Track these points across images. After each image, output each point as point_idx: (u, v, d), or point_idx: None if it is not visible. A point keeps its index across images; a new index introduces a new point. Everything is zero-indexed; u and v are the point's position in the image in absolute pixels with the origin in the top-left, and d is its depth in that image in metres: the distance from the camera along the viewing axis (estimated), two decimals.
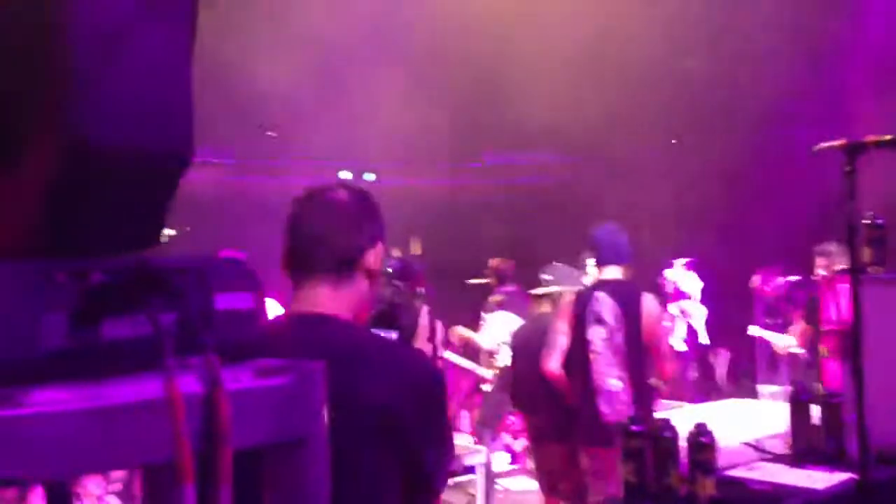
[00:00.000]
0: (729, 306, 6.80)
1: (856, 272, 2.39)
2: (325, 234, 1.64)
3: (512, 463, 6.98)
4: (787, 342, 5.43)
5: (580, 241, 6.42)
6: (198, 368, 0.77)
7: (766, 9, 6.76)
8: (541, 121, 7.32)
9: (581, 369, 4.31)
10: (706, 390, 6.87)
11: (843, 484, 2.67)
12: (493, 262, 6.52)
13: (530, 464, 5.49)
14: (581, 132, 7.69)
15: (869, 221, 3.20)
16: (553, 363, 4.40)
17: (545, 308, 4.99)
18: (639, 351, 4.29)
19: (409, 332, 1.73)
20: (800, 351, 5.65)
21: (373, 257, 1.66)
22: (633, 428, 2.58)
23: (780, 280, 6.00)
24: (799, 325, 5.62)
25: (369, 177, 10.44)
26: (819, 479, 2.73)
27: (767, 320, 6.51)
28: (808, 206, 6.16)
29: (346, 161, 9.69)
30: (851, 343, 2.29)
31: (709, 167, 7.72)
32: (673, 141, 8.76)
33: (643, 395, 4.25)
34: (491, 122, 7.91)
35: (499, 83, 7.35)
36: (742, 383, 6.93)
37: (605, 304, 4.26)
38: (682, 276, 6.79)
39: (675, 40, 7.29)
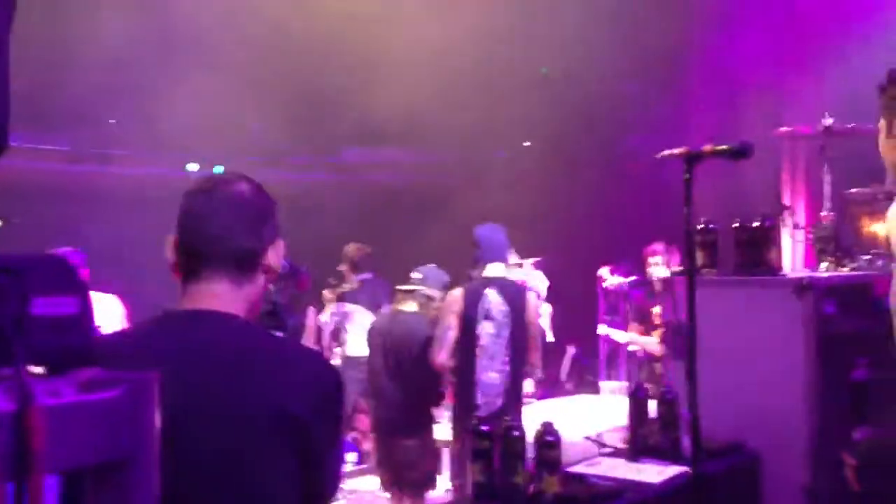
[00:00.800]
0: (573, 305, 7.03)
1: (691, 274, 2.49)
2: (226, 230, 1.56)
3: (359, 463, 6.91)
4: (646, 341, 5.71)
5: (431, 240, 6.49)
6: (8, 382, 0.69)
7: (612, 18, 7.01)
8: (399, 120, 7.31)
9: (465, 362, 4.56)
10: (551, 387, 7.07)
11: (677, 477, 2.81)
12: (349, 248, 6.37)
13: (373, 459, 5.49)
14: (439, 132, 7.74)
15: (703, 226, 3.38)
16: (442, 356, 4.61)
17: (409, 306, 5.02)
18: (520, 346, 4.59)
19: (294, 333, 1.67)
20: (636, 348, 5.93)
21: (273, 255, 1.60)
22: (482, 428, 2.60)
23: (618, 280, 6.26)
24: (634, 325, 5.90)
25: (218, 169, 10.10)
26: (655, 472, 2.85)
27: (607, 317, 6.79)
28: (652, 210, 6.47)
29: (194, 153, 9.33)
30: (686, 342, 2.37)
31: (560, 171, 7.94)
32: (526, 143, 8.96)
33: (516, 388, 4.54)
34: (350, 119, 7.80)
35: (359, 80, 7.26)
36: (585, 380, 7.18)
37: (495, 301, 4.52)
38: (529, 275, 6.96)
39: (532, 45, 7.45)
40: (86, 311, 0.85)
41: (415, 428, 4.80)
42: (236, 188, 1.59)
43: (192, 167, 9.76)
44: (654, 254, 5.68)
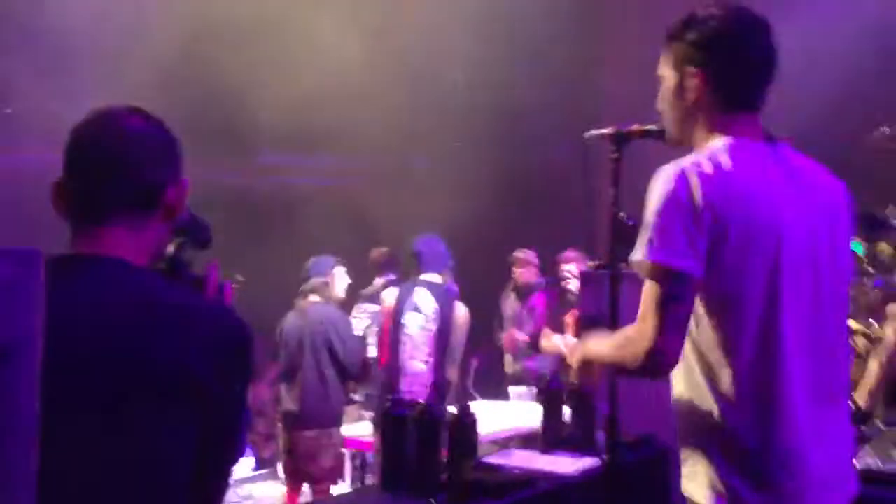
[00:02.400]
0: (484, 311, 6.97)
1: (614, 265, 2.45)
2: (121, 165, 1.38)
3: (256, 468, 6.68)
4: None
5: (354, 246, 6.35)
6: None
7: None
8: (323, 124, 7.18)
9: (392, 352, 4.78)
10: (462, 392, 6.99)
11: (590, 469, 2.77)
12: (372, 252, 6.46)
13: (280, 458, 5.38)
14: (362, 138, 7.63)
15: (622, 220, 3.37)
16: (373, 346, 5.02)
17: (314, 297, 5.07)
18: (445, 345, 4.77)
19: (194, 287, 1.49)
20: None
21: (175, 195, 1.43)
22: (396, 411, 2.51)
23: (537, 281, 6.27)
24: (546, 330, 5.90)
25: None
26: (567, 464, 2.81)
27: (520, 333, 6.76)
28: (573, 217, 6.51)
29: None
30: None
31: (480, 178, 7.90)
32: (457, 144, 8.83)
33: (442, 382, 4.72)
34: (270, 122, 7.55)
35: (272, 83, 7.06)
36: (491, 386, 7.12)
37: (425, 297, 4.79)
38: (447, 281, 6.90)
39: (448, 51, 7.41)
40: None
41: (321, 420, 4.87)
42: (131, 119, 1.43)
43: None
44: (568, 261, 5.70)
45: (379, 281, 6.19)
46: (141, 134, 1.42)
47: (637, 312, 1.91)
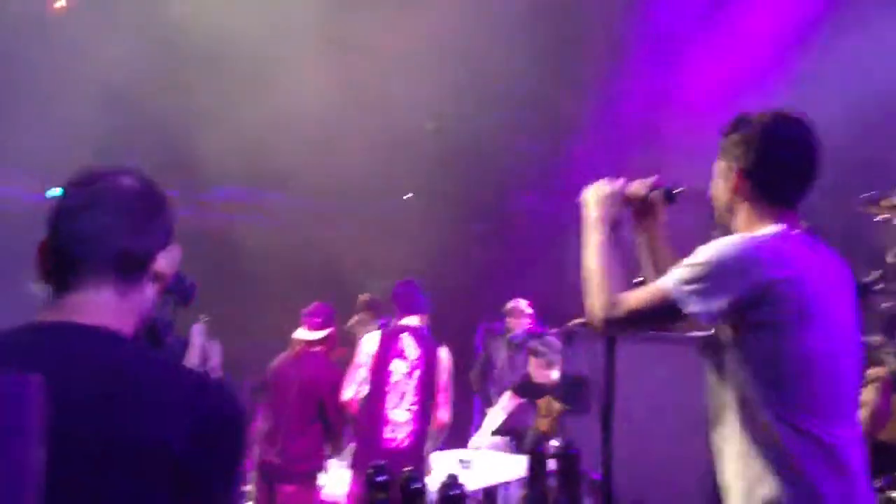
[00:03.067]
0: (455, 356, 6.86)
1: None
2: (106, 228, 1.31)
3: None
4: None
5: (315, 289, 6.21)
6: None
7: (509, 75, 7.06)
8: (277, 163, 7.09)
9: (375, 399, 4.75)
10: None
11: None
12: (362, 297, 6.28)
13: None
14: (321, 180, 7.54)
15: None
16: (348, 392, 4.83)
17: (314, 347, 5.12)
18: (430, 391, 4.79)
19: (175, 352, 1.41)
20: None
21: (165, 261, 1.36)
22: (378, 478, 2.38)
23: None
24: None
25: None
26: None
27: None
28: (544, 271, 6.45)
29: (56, 176, 8.66)
30: (603, 396, 2.25)
31: (445, 225, 7.84)
32: (407, 196, 8.81)
33: (424, 433, 4.71)
34: (221, 157, 7.39)
35: (234, 117, 6.94)
36: (461, 434, 6.97)
37: (409, 344, 4.79)
38: None
39: (420, 101, 7.36)
40: None
41: (300, 474, 4.83)
42: (120, 180, 1.36)
43: (55, 192, 9.09)
44: (517, 313, 5.80)
45: (373, 323, 6.00)
46: (128, 195, 1.35)
47: (630, 374, 1.98)
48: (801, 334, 1.82)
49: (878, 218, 3.72)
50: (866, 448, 1.95)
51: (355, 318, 6.13)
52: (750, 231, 1.98)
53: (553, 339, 5.84)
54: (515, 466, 4.72)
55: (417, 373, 4.73)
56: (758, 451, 1.85)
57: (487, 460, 5.25)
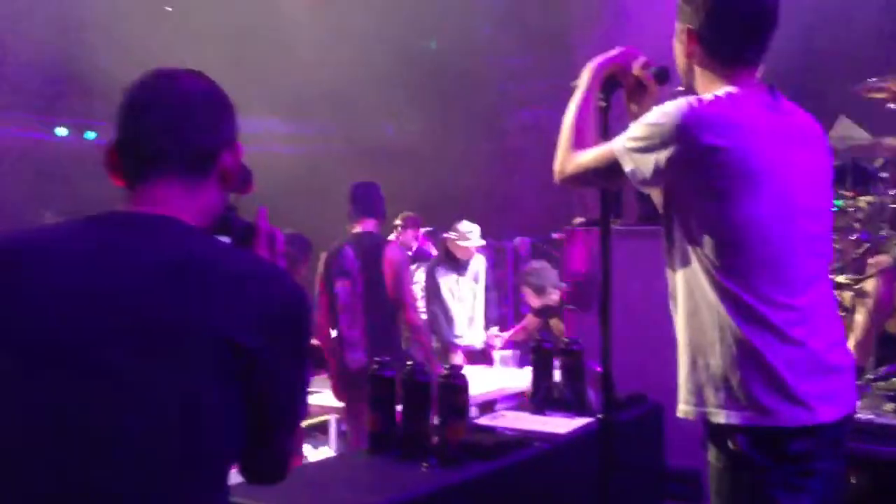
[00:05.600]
0: None
1: (605, 222, 2.38)
2: (178, 124, 1.32)
3: None
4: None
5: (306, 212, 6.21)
6: None
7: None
8: (279, 89, 7.02)
9: (332, 322, 4.57)
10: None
11: (582, 428, 2.71)
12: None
13: None
14: (321, 105, 7.48)
15: None
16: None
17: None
18: (381, 299, 4.49)
19: (245, 235, 1.40)
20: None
21: (230, 159, 1.36)
22: (382, 373, 2.42)
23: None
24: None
25: (90, 135, 9.45)
26: (560, 424, 2.75)
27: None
28: (542, 180, 6.41)
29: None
30: (600, 293, 2.25)
31: (447, 147, 7.79)
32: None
33: (382, 344, 4.35)
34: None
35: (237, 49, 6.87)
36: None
37: (347, 257, 4.52)
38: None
39: (414, 20, 7.24)
40: None
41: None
42: (187, 78, 1.37)
43: (62, 131, 9.10)
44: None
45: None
46: (197, 95, 1.35)
47: (630, 269, 1.91)
48: (741, 201, 1.76)
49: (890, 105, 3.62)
50: (830, 316, 1.88)
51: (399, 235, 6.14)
52: (708, 92, 1.90)
53: (545, 267, 5.89)
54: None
55: (360, 286, 4.49)
56: (701, 321, 1.83)
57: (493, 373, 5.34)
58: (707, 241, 1.81)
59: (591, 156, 1.98)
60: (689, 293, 1.87)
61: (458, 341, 6.05)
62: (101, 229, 1.27)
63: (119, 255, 1.23)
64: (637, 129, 1.87)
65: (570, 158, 2.01)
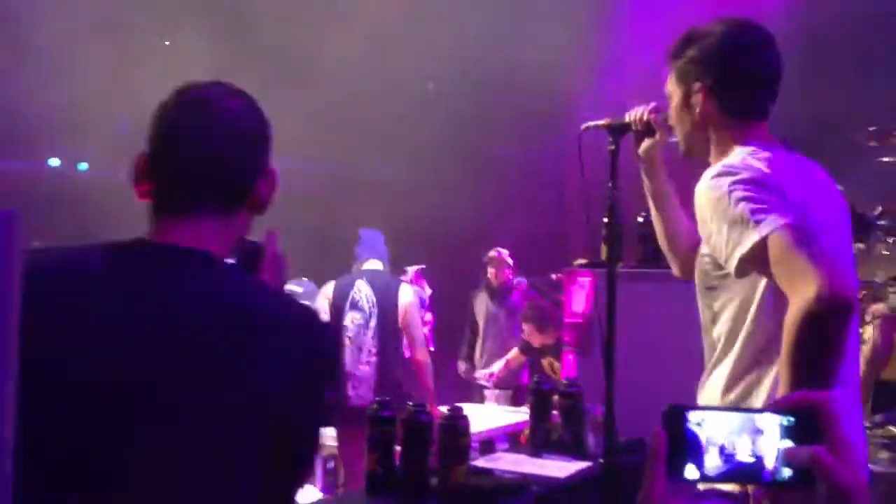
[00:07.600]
0: (452, 314, 6.87)
1: (611, 263, 2.38)
2: (219, 160, 1.28)
3: None
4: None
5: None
6: None
7: None
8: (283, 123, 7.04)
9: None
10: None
11: (581, 472, 2.69)
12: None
13: None
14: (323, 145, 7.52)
15: (606, 220, 3.31)
16: None
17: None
18: (392, 337, 4.58)
19: (252, 257, 1.38)
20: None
21: (265, 188, 1.32)
22: (383, 413, 2.39)
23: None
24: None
25: (82, 166, 9.42)
26: (559, 467, 2.72)
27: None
28: (546, 217, 6.42)
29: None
30: (603, 335, 2.25)
31: (437, 180, 7.80)
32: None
33: (389, 381, 4.46)
34: None
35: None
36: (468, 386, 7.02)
37: (364, 291, 4.57)
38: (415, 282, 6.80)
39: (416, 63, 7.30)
40: None
41: None
42: (230, 104, 1.30)
43: (55, 162, 9.11)
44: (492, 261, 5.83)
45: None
46: (238, 122, 1.30)
47: (632, 312, 1.90)
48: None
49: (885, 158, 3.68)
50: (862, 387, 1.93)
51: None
52: (725, 155, 1.84)
53: (545, 305, 5.88)
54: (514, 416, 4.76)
55: (373, 322, 4.53)
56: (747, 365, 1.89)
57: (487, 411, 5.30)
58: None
59: (797, 270, 1.60)
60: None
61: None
62: (136, 262, 1.22)
63: (157, 299, 1.18)
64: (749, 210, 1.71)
65: (802, 298, 1.57)
